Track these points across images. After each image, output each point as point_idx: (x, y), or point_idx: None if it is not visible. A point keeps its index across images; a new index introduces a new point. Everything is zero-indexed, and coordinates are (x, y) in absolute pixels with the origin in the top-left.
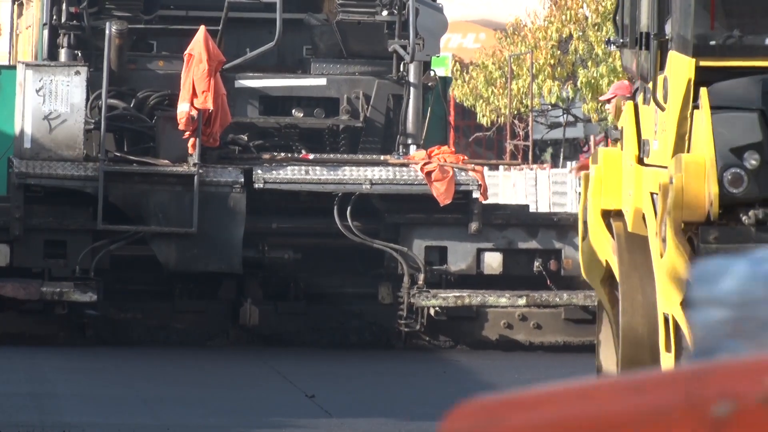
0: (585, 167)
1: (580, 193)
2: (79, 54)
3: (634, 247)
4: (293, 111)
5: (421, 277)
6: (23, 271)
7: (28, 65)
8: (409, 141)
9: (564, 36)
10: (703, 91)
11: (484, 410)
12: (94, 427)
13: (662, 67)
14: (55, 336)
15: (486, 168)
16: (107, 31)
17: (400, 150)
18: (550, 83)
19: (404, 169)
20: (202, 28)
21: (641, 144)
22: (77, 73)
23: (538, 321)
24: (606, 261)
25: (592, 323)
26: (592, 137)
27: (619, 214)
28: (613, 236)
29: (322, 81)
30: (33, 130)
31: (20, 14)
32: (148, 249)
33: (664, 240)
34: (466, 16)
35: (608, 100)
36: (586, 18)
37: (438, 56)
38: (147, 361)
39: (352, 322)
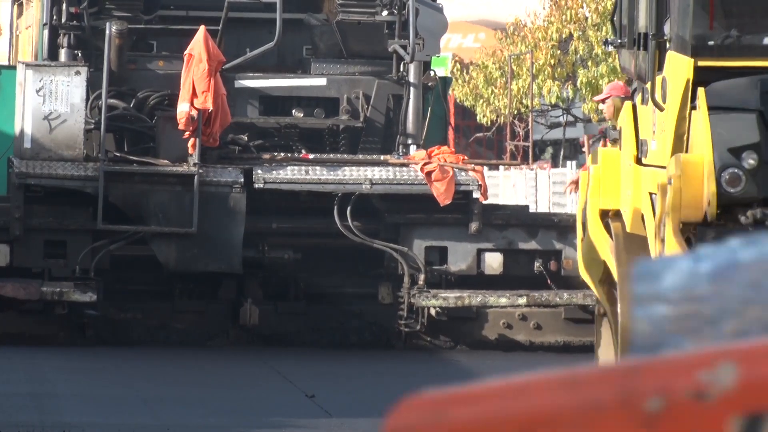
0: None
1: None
2: (79, 54)
3: (633, 247)
4: (293, 111)
5: (422, 277)
6: (23, 271)
7: (28, 65)
8: (409, 141)
9: (564, 36)
10: (701, 92)
11: (430, 404)
12: (94, 427)
13: (660, 68)
14: (55, 336)
15: (486, 168)
16: (107, 31)
17: (400, 150)
18: (550, 83)
19: (404, 169)
20: (202, 28)
21: (640, 144)
22: (77, 73)
23: (538, 321)
24: (604, 261)
25: (592, 323)
26: (584, 137)
27: (617, 215)
28: (611, 236)
29: (322, 81)
30: (33, 130)
31: (20, 14)
32: (148, 249)
33: (662, 240)
34: (466, 16)
35: (602, 101)
36: (586, 18)
37: (438, 56)
38: (147, 361)
39: (352, 322)
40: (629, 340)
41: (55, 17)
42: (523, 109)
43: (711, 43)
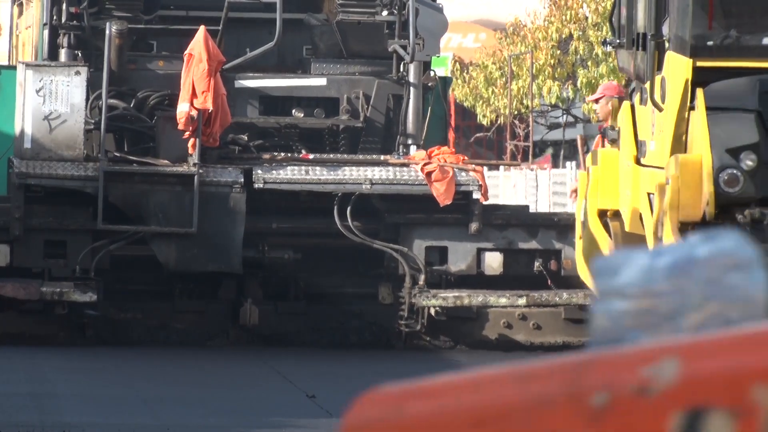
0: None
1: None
2: (79, 54)
3: (632, 246)
4: (293, 111)
5: (422, 277)
6: (23, 271)
7: (28, 65)
8: (409, 141)
9: (564, 36)
10: (699, 92)
11: (387, 399)
12: (94, 427)
13: (659, 68)
14: (55, 336)
15: (486, 168)
16: (107, 31)
17: (400, 150)
18: (550, 83)
19: (404, 169)
20: (202, 28)
21: (638, 144)
22: (77, 73)
23: (538, 321)
24: None
25: None
26: (579, 137)
27: (616, 214)
28: (610, 236)
29: (322, 81)
30: (33, 130)
31: (20, 14)
32: (148, 249)
33: (661, 240)
34: (466, 16)
35: (596, 101)
36: (586, 18)
37: (438, 56)
38: (147, 361)
39: (352, 322)
40: None
41: (55, 17)
42: (523, 110)
43: (710, 43)
